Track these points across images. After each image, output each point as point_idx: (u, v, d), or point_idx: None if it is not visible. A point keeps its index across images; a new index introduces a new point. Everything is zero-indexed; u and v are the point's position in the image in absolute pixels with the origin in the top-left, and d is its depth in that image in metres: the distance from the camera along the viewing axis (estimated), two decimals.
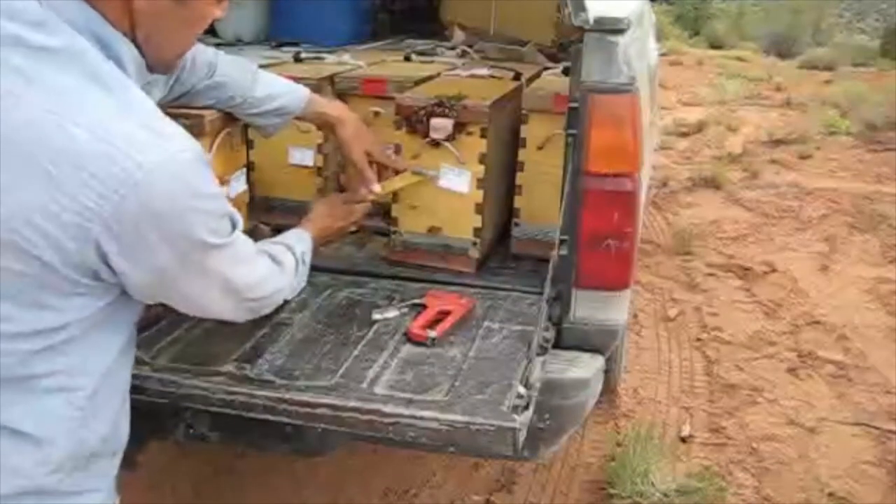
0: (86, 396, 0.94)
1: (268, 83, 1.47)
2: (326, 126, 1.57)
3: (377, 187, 1.55)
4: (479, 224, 1.63)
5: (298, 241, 1.30)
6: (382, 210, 1.73)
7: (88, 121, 0.83)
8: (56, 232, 0.83)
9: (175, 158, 0.87)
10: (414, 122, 1.59)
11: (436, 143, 1.59)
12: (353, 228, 1.59)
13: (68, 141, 0.82)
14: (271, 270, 1.16)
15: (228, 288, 1.03)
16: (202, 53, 1.37)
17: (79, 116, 0.83)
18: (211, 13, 1.00)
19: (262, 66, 1.91)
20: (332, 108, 1.55)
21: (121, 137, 0.83)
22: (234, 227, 1.00)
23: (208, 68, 1.38)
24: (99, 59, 0.88)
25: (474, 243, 1.64)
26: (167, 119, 0.91)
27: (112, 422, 1.00)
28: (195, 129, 1.49)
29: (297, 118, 1.53)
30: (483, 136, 1.58)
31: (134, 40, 0.94)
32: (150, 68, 1.01)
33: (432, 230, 1.66)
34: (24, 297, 0.86)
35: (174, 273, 0.94)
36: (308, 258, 1.31)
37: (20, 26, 0.86)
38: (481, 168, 1.60)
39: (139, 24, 0.92)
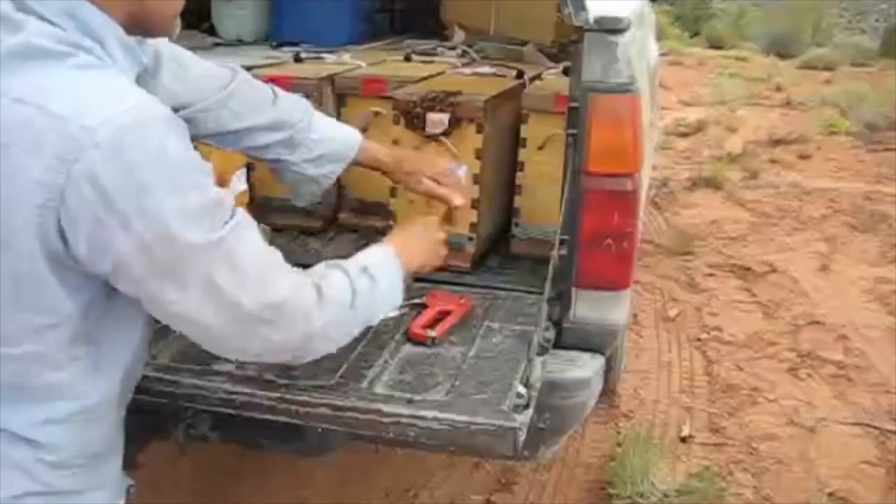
0: (94, 401, 0.93)
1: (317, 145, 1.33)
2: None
3: (458, 200, 1.38)
4: (474, 219, 1.63)
5: (380, 268, 1.09)
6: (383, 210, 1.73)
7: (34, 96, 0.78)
8: (30, 216, 0.78)
9: (133, 117, 0.79)
10: (411, 117, 1.60)
11: (433, 138, 1.60)
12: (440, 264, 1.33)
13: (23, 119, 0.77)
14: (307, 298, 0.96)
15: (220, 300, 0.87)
16: (267, 126, 1.27)
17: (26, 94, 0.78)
18: None
19: (261, 66, 1.93)
20: (371, 159, 1.39)
21: (66, 104, 0.77)
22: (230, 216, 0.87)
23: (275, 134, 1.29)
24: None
25: (470, 238, 1.64)
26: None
27: (116, 423, 1.00)
28: None
29: None
30: (479, 131, 1.59)
31: (128, 19, 0.89)
32: (155, 35, 0.97)
33: None
34: (15, 301, 0.83)
35: (138, 270, 0.83)
36: (383, 287, 1.08)
37: None
38: (477, 163, 1.61)
39: None
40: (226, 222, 0.86)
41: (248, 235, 0.90)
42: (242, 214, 0.89)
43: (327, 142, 1.33)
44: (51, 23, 0.83)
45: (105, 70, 0.85)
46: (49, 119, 0.77)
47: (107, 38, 0.87)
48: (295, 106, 1.32)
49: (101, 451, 0.97)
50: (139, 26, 0.91)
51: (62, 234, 0.80)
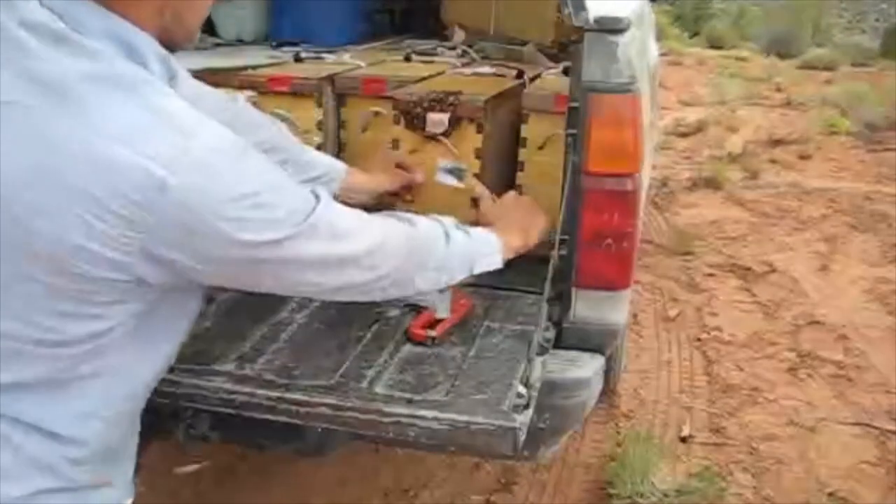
0: (124, 396, 0.94)
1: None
2: None
3: (419, 176, 1.61)
4: (474, 218, 1.63)
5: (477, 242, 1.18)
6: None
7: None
8: (95, 246, 0.79)
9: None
10: (411, 117, 1.61)
11: (433, 138, 1.60)
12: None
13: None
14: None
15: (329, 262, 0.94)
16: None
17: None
18: None
19: (261, 66, 1.93)
20: (351, 188, 1.52)
21: (142, 141, 0.78)
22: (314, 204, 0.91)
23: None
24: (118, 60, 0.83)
25: None
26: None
27: (135, 420, 1.01)
28: None
29: None
30: (479, 131, 1.60)
31: (159, 32, 0.89)
32: (177, 46, 0.96)
33: None
34: (62, 307, 0.83)
35: (250, 273, 0.90)
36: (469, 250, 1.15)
37: (30, 34, 0.79)
38: (477, 163, 1.62)
39: (166, 8, 0.88)
40: (313, 207, 0.90)
41: (335, 206, 0.96)
42: (321, 190, 0.95)
43: (318, 165, 1.44)
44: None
45: (166, 95, 0.84)
46: (136, 158, 0.78)
47: (148, 56, 0.87)
48: (287, 129, 1.40)
49: (117, 448, 0.98)
50: (168, 37, 0.91)
51: (159, 262, 0.83)
